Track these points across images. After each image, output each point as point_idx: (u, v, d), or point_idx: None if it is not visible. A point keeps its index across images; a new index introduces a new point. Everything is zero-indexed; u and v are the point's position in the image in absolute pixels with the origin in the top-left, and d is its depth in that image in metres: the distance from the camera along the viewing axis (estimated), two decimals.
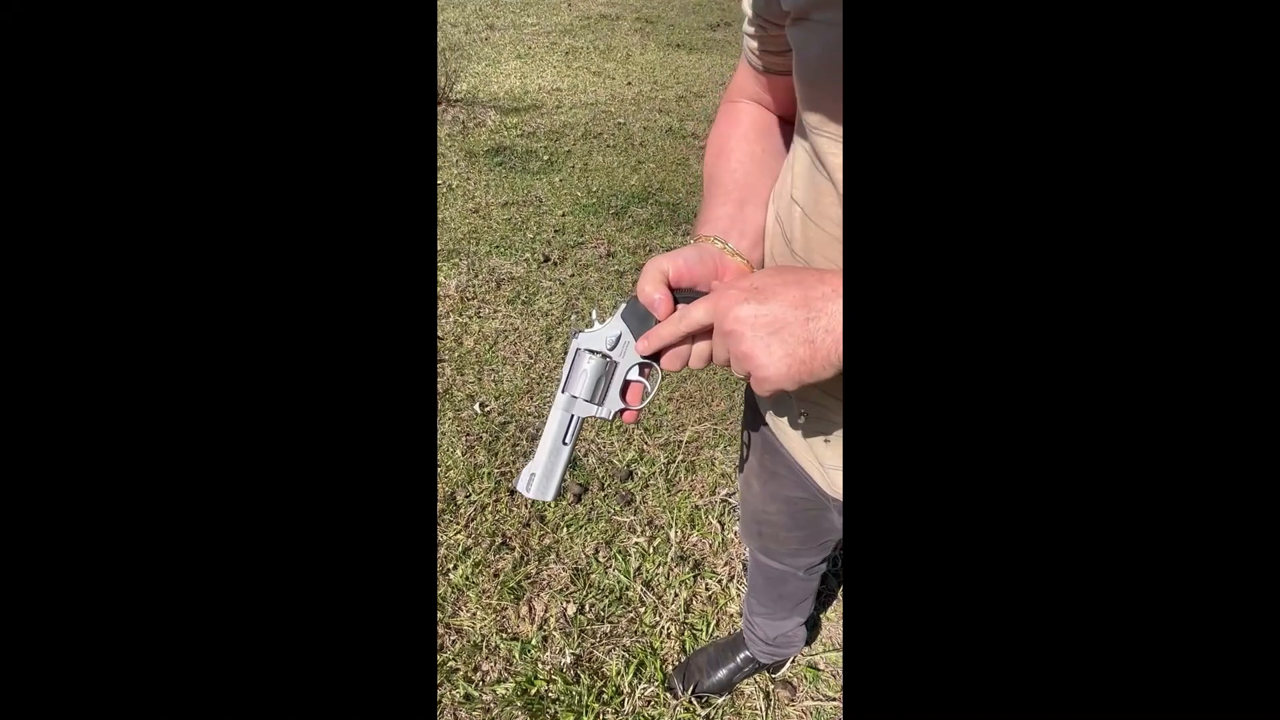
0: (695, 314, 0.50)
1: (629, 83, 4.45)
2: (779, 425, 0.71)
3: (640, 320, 0.54)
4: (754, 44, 0.59)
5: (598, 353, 0.55)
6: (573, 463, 1.61)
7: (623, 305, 0.55)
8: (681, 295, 0.54)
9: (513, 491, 1.53)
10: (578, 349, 0.55)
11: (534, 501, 1.52)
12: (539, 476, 0.57)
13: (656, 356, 0.55)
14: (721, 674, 1.18)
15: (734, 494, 1.57)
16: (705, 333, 0.52)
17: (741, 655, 1.18)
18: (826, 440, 0.63)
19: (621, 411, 0.57)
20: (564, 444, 0.57)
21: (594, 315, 0.57)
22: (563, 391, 0.56)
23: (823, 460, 0.65)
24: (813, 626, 1.29)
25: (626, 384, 0.56)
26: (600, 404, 0.56)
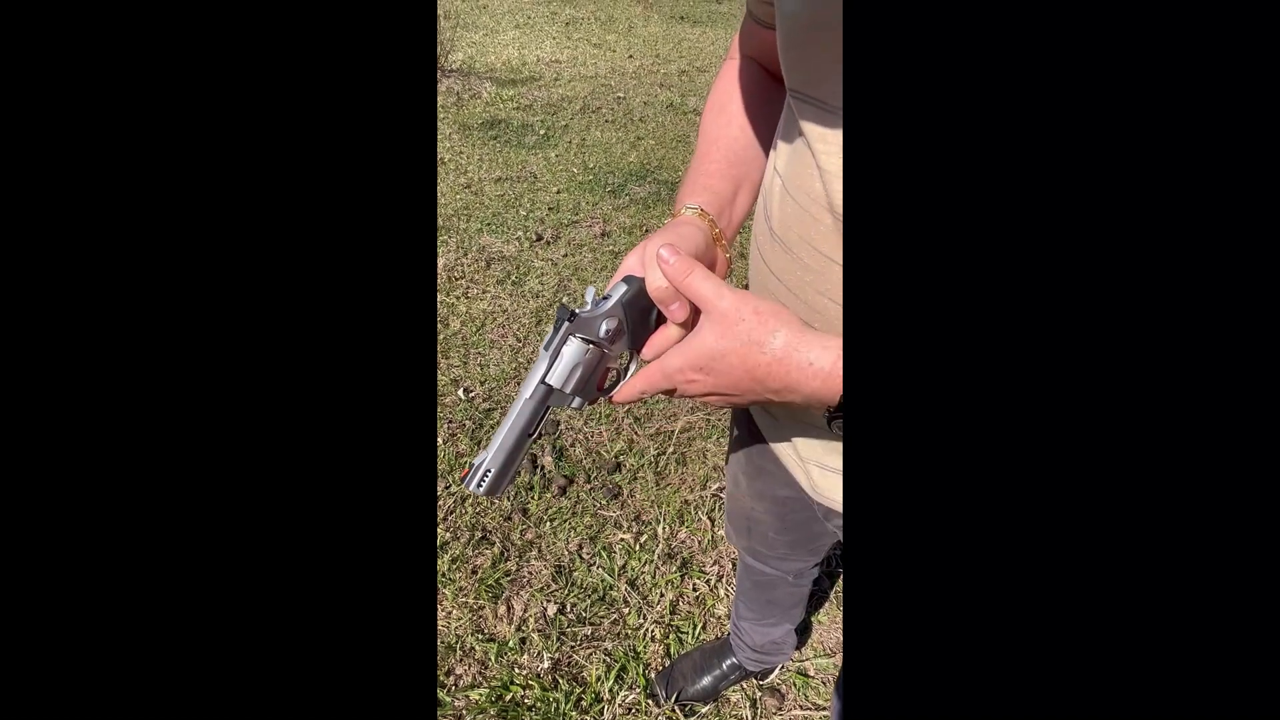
0: (659, 384, 0.49)
1: (630, 55, 4.32)
2: (761, 417, 0.67)
3: (641, 313, 0.49)
4: None
5: (591, 342, 0.48)
6: (536, 455, 1.54)
7: (621, 289, 0.49)
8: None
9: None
10: (570, 335, 0.48)
11: (517, 494, 1.46)
12: (495, 474, 0.49)
13: (639, 346, 0.50)
14: (706, 681, 1.13)
15: (725, 489, 1.51)
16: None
17: (728, 662, 1.13)
18: (805, 433, 0.58)
19: (593, 399, 0.51)
20: (528, 435, 0.49)
21: (589, 295, 0.50)
22: (542, 381, 0.48)
23: (803, 455, 0.59)
24: (803, 631, 1.24)
25: (606, 370, 0.51)
26: (577, 394, 0.49)
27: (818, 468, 0.58)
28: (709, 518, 1.44)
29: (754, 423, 0.69)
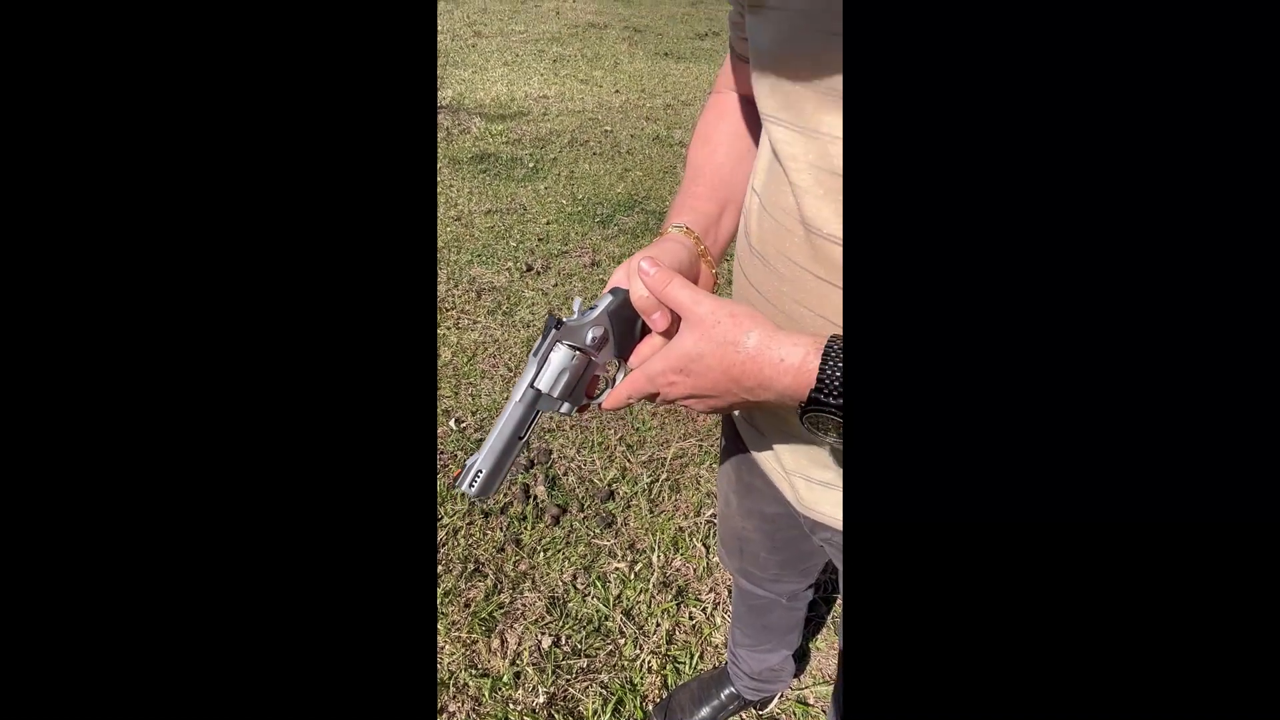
0: (644, 388, 0.50)
1: (616, 90, 4.40)
2: (748, 432, 0.68)
3: (626, 323, 0.51)
4: (735, 26, 0.58)
5: (578, 349, 0.50)
6: (527, 463, 1.54)
7: (607, 299, 0.51)
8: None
9: (486, 512, 1.46)
10: (557, 341, 0.50)
11: (510, 524, 1.44)
12: (486, 474, 0.50)
13: (625, 355, 0.52)
14: (705, 712, 1.11)
15: (717, 510, 1.50)
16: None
17: (726, 692, 1.11)
18: (788, 442, 0.59)
19: (583, 406, 0.53)
20: (519, 439, 0.51)
21: (576, 305, 0.52)
22: (531, 385, 0.50)
23: (788, 468, 0.60)
24: (801, 658, 1.22)
25: (595, 378, 0.53)
26: (565, 400, 0.51)
27: (803, 480, 0.59)
28: (704, 544, 1.43)
29: (742, 441, 0.70)
